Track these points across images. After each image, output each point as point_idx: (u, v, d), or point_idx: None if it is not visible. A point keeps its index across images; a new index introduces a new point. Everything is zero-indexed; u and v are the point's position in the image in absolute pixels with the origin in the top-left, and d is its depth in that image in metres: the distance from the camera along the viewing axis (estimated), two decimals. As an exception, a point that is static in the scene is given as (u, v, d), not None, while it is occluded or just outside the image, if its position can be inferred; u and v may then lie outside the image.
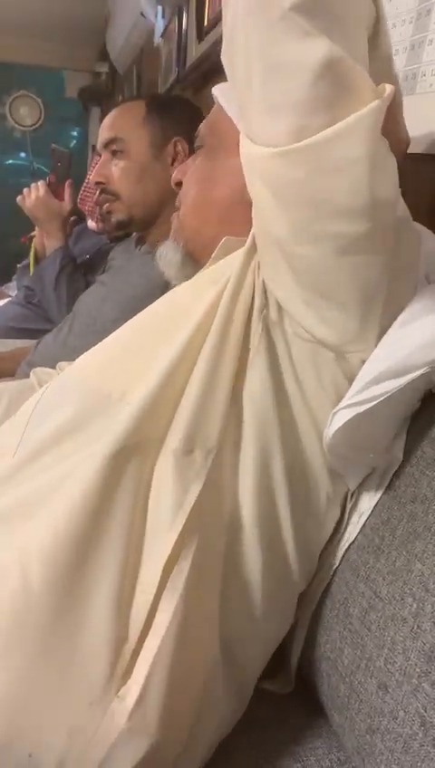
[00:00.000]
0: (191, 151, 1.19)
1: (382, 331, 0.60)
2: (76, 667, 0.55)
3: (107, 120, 1.32)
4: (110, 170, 1.31)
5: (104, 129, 1.31)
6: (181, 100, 1.40)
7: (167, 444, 0.60)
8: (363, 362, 0.62)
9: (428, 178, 0.82)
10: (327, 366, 0.63)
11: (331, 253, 0.55)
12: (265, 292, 0.64)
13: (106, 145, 1.31)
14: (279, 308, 0.63)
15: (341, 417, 0.59)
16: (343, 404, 0.59)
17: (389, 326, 0.60)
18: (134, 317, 0.75)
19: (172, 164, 1.26)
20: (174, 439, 0.59)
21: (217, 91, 0.76)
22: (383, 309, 0.59)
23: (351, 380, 0.63)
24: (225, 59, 0.54)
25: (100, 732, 0.54)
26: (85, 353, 0.76)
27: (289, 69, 0.48)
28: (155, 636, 0.56)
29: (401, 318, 0.59)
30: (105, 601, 0.56)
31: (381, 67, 0.56)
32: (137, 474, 0.59)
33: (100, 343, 0.75)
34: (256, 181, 0.56)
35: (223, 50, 0.54)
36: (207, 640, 0.59)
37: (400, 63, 0.86)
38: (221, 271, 0.68)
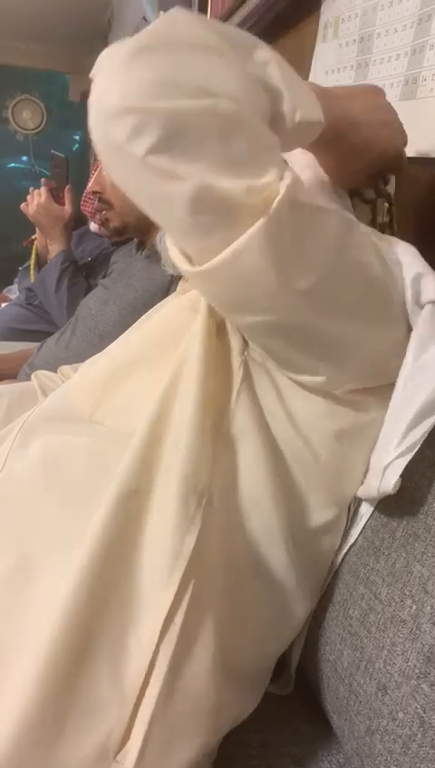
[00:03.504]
0: None
1: (371, 368, 0.60)
2: (67, 739, 0.52)
3: None
4: (104, 179, 1.33)
5: None
6: None
7: (160, 491, 0.58)
8: (352, 391, 0.62)
9: (428, 182, 0.83)
10: (316, 397, 0.63)
11: (269, 335, 0.56)
12: None
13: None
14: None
15: (395, 470, 0.58)
16: (391, 456, 0.58)
17: (378, 359, 0.59)
18: (130, 332, 0.75)
19: None
20: (169, 485, 0.58)
21: None
22: (368, 347, 0.58)
23: (344, 406, 0.63)
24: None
25: None
26: (77, 376, 0.77)
27: (164, 204, 0.48)
28: (151, 693, 0.53)
29: (411, 351, 0.59)
30: (101, 667, 0.53)
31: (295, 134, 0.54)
32: (134, 522, 0.58)
33: (95, 362, 0.75)
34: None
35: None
36: (208, 678, 0.56)
37: (400, 68, 0.87)
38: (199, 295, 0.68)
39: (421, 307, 0.59)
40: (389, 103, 0.67)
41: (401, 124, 0.67)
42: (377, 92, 0.67)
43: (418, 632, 0.55)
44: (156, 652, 0.54)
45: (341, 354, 0.59)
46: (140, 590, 0.56)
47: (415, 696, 0.54)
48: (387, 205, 0.70)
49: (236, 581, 0.61)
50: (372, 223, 0.70)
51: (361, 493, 0.63)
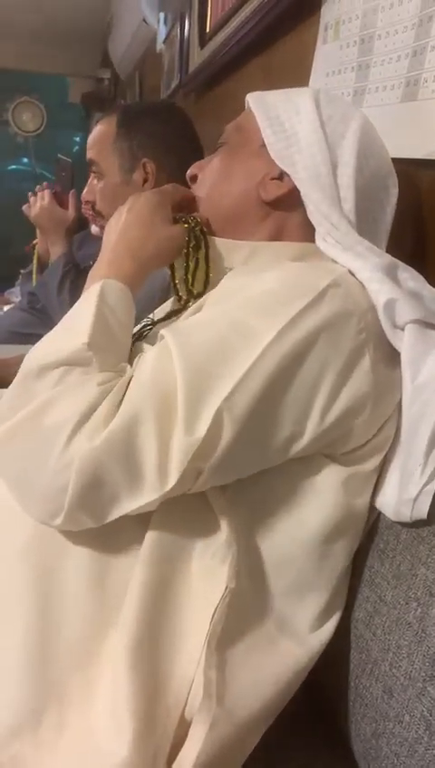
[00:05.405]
0: (161, 166, 1.23)
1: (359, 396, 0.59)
2: None
3: (88, 140, 1.34)
4: (94, 188, 1.34)
5: (87, 150, 1.34)
6: (152, 109, 1.39)
7: (188, 555, 0.60)
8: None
9: (428, 184, 0.83)
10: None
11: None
12: None
13: (89, 166, 1.34)
14: None
15: (425, 498, 0.58)
16: (418, 487, 0.58)
17: (372, 391, 0.59)
18: None
19: (143, 185, 1.26)
20: (195, 549, 0.59)
21: (251, 98, 0.77)
22: (347, 392, 0.58)
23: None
24: None
25: None
26: None
27: None
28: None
29: (406, 374, 0.59)
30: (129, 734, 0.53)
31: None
32: (174, 583, 0.59)
33: None
34: None
35: None
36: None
37: (402, 70, 0.87)
38: None
39: (401, 329, 0.60)
40: (127, 209, 0.74)
41: (138, 208, 0.73)
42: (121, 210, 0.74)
43: (423, 635, 0.55)
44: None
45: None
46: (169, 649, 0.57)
47: (421, 699, 0.54)
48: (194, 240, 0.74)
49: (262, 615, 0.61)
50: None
51: (392, 516, 0.63)
